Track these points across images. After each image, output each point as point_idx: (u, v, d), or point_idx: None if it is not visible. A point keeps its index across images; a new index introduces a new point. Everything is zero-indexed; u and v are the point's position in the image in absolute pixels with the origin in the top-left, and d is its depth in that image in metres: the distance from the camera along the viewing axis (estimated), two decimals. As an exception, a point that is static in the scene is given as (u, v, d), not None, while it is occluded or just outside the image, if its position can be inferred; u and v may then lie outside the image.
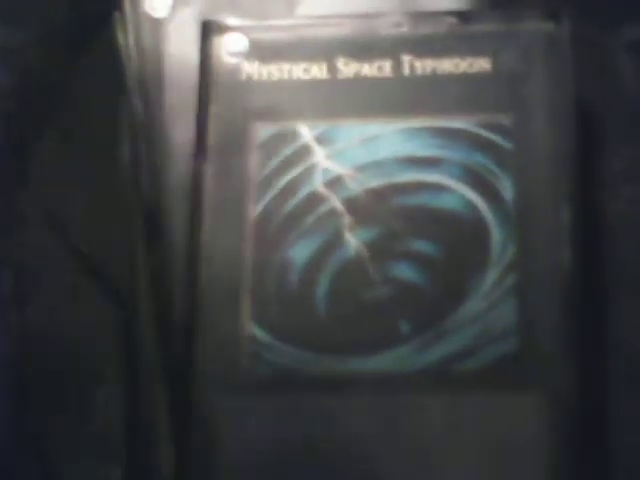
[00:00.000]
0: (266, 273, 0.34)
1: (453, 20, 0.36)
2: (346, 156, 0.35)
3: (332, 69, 0.35)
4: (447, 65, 0.35)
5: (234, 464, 0.32)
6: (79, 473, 0.34)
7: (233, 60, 0.36)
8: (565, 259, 0.33)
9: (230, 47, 0.36)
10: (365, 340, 0.33)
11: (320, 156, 0.35)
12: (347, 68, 0.35)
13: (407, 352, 0.33)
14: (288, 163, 0.35)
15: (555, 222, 0.34)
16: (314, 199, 0.34)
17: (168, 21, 0.38)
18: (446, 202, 0.34)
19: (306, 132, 0.35)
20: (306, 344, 0.33)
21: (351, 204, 0.34)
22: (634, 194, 0.37)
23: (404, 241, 0.34)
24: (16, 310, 0.35)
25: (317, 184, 0.35)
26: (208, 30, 0.36)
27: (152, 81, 0.37)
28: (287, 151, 0.35)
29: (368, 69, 0.35)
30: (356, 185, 0.35)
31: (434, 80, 0.35)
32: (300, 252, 0.34)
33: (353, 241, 0.34)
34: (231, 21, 0.36)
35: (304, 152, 0.35)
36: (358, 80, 0.35)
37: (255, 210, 0.34)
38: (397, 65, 0.35)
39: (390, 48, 0.35)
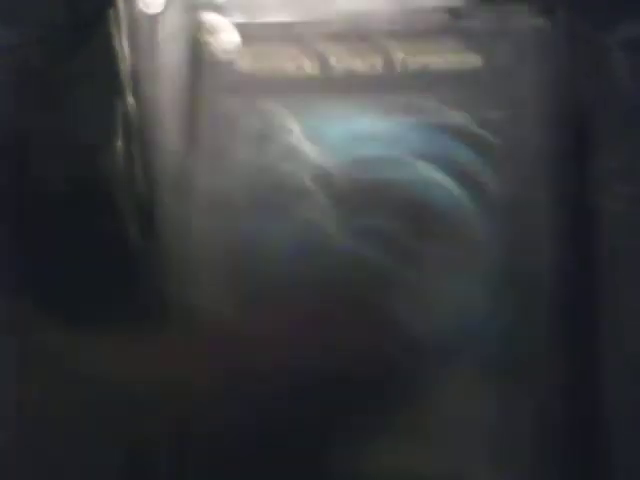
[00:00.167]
0: (230, 251, 0.34)
1: (445, 16, 0.36)
2: (336, 152, 0.35)
3: (324, 66, 0.35)
4: (438, 61, 0.35)
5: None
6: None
7: (224, 55, 0.36)
8: (550, 256, 0.33)
9: (222, 43, 0.36)
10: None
11: (310, 151, 0.35)
12: (339, 64, 0.35)
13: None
14: (278, 157, 0.35)
15: (541, 218, 0.34)
16: (302, 193, 0.35)
17: (161, 17, 0.38)
18: (434, 197, 0.34)
19: (297, 128, 0.35)
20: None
21: (339, 199, 0.34)
22: (631, 193, 0.37)
23: (392, 236, 0.34)
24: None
25: (304, 177, 0.35)
26: (199, 25, 0.36)
27: (146, 78, 0.37)
28: (278, 146, 0.35)
29: (360, 66, 0.35)
30: (345, 181, 0.35)
31: (425, 76, 0.35)
32: (267, 230, 0.34)
33: (339, 234, 0.34)
34: (223, 17, 0.36)
35: (294, 149, 0.35)
36: (350, 76, 0.35)
37: (243, 202, 0.35)
38: (389, 62, 0.35)
39: (382, 45, 0.35)
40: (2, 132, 0.37)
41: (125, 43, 0.37)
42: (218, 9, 0.37)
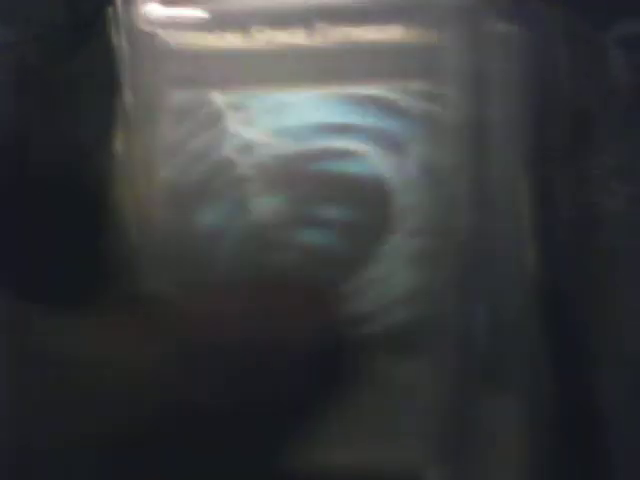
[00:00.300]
0: (173, 237, 0.34)
1: None
2: (258, 123, 0.35)
3: (246, 37, 0.36)
4: (360, 33, 0.35)
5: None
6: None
7: (150, 29, 0.36)
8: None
9: (147, 16, 0.36)
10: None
11: (232, 122, 0.35)
12: (261, 36, 0.36)
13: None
14: (200, 129, 0.35)
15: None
16: (224, 165, 0.35)
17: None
18: (355, 169, 0.34)
19: (219, 99, 0.35)
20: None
21: (261, 170, 0.35)
22: (630, 192, 0.36)
23: (312, 207, 0.34)
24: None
25: (228, 150, 0.35)
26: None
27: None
28: (200, 117, 0.35)
29: (282, 37, 0.36)
30: (267, 152, 0.35)
31: (347, 48, 0.35)
32: (207, 216, 0.34)
33: (260, 206, 0.34)
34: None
35: (216, 118, 0.35)
36: (272, 48, 0.36)
37: (165, 175, 0.35)
38: (310, 33, 0.36)
39: (303, 16, 0.36)
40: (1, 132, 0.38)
41: (124, 42, 0.37)
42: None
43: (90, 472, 0.29)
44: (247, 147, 0.35)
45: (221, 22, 0.36)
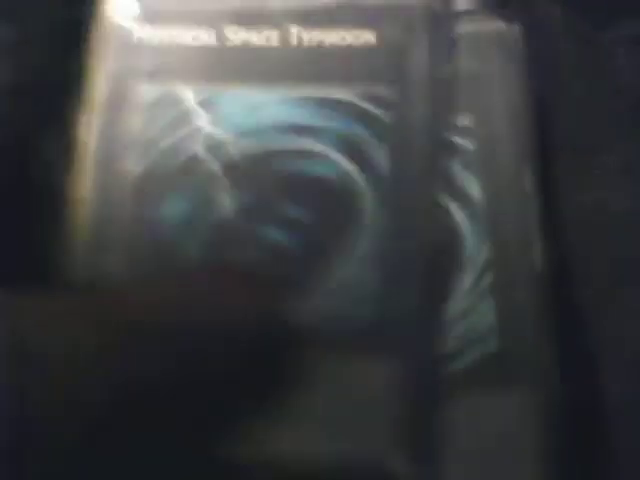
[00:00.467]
0: (141, 232, 0.34)
1: None
2: (229, 122, 0.35)
3: (220, 36, 0.36)
4: (333, 37, 0.36)
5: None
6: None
7: (124, 23, 0.36)
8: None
9: (122, 10, 0.36)
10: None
11: (203, 121, 0.35)
12: (235, 36, 0.36)
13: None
14: (171, 126, 0.35)
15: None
16: (194, 162, 0.35)
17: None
18: (320, 170, 0.34)
19: (191, 97, 0.35)
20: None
21: (228, 168, 0.34)
22: (634, 191, 0.36)
23: (278, 207, 0.34)
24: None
25: (198, 148, 0.35)
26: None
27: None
28: (171, 114, 0.35)
29: (256, 38, 0.36)
30: (236, 150, 0.35)
31: (320, 51, 0.35)
32: (174, 213, 0.34)
33: (226, 203, 0.34)
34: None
35: (187, 116, 0.35)
36: (245, 48, 0.36)
37: (135, 170, 0.34)
38: (285, 36, 0.36)
39: (278, 19, 0.36)
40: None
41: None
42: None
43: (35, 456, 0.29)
44: (215, 145, 0.35)
45: (194, 18, 0.36)
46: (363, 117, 0.35)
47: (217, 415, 0.31)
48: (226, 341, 0.31)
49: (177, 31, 0.36)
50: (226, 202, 0.34)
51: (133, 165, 0.35)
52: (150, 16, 0.36)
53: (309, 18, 0.36)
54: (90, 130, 0.35)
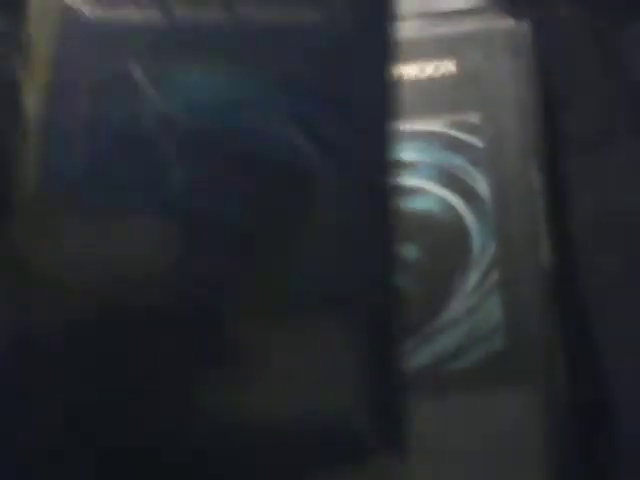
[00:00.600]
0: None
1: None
2: (177, 98, 0.34)
3: (168, 13, 0.35)
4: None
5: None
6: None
7: (73, 2, 0.35)
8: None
9: None
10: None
11: (152, 96, 0.35)
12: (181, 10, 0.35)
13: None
14: (120, 103, 0.34)
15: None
16: (143, 137, 0.34)
17: None
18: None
19: (139, 73, 0.35)
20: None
21: (179, 144, 0.34)
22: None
23: (227, 180, 0.33)
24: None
25: (147, 123, 0.34)
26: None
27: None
28: (121, 92, 0.34)
29: (201, 13, 0.35)
30: (184, 126, 0.34)
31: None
32: (123, 188, 0.33)
33: (178, 179, 0.34)
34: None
35: (135, 92, 0.34)
36: (191, 25, 0.35)
37: (87, 149, 0.34)
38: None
39: None
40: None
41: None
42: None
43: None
44: (167, 121, 0.34)
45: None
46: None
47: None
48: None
49: (127, 11, 0.35)
50: (178, 178, 0.33)
51: (87, 143, 0.34)
52: None
53: None
54: (40, 109, 0.34)
